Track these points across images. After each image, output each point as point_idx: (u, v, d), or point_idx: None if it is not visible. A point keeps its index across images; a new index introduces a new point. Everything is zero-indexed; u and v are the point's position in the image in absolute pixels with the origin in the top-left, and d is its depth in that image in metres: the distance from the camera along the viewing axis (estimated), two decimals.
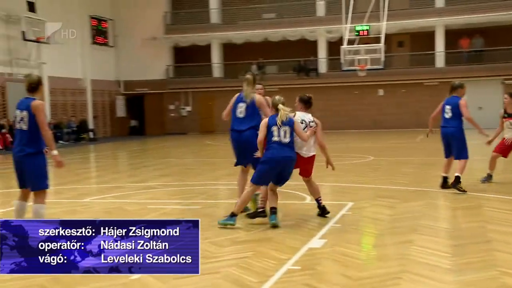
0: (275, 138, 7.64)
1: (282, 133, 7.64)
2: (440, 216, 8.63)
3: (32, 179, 6.86)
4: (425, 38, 34.62)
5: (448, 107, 10.12)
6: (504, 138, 11.18)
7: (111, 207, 9.87)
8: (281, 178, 7.81)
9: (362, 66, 28.08)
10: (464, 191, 9.86)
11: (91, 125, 33.79)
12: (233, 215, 7.67)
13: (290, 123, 7.69)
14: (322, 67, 35.57)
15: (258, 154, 7.84)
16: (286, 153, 7.64)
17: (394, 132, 31.65)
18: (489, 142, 11.00)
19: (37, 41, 29.08)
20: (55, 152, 6.83)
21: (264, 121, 7.83)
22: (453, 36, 33.59)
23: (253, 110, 8.31)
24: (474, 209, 8.78)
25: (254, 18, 36.50)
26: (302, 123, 7.91)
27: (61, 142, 29.09)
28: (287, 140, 7.66)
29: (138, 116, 38.59)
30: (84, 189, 12.57)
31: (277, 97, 7.84)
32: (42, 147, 6.89)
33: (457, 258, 6.01)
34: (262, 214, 7.97)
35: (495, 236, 6.94)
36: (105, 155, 23.93)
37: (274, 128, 7.66)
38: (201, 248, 6.57)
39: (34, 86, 6.92)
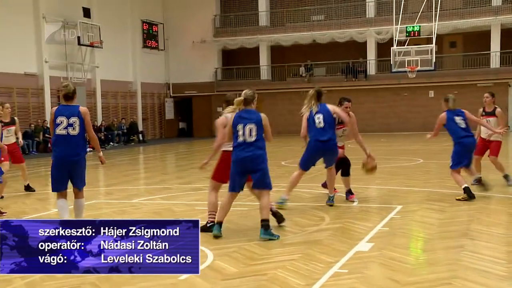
0: (240, 138, 7.27)
1: (247, 131, 7.26)
2: (493, 221, 8.38)
3: (81, 179, 7.59)
4: (479, 38, 33.81)
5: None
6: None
7: (160, 208, 9.98)
8: (255, 179, 7.35)
9: (413, 68, 27.60)
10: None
11: (140, 127, 34.34)
12: (218, 223, 7.41)
13: (257, 120, 7.31)
14: (371, 68, 35.18)
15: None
16: (248, 153, 7.20)
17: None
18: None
19: (91, 45, 29.83)
20: (101, 153, 7.82)
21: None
22: (509, 35, 32.69)
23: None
24: None
25: (302, 20, 36.41)
26: None
27: (111, 143, 29.67)
28: (252, 139, 7.25)
29: (186, 118, 39.00)
30: (134, 190, 12.75)
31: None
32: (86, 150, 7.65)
33: None
34: (210, 229, 7.47)
35: None
36: (154, 157, 24.26)
37: (239, 127, 7.30)
38: (248, 250, 6.63)
39: (71, 95, 7.51)
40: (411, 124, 34.01)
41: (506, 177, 11.16)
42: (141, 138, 33.02)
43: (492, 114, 11.18)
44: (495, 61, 33.04)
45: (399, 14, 28.03)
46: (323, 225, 8.05)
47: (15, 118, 11.77)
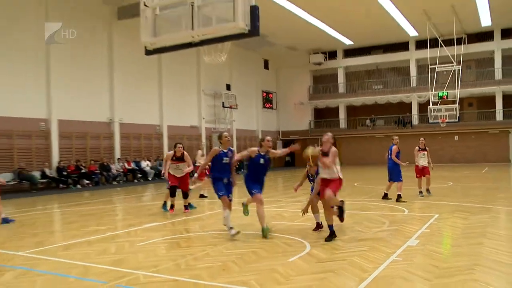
0: None
1: None
2: (504, 225, 7.83)
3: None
4: (488, 100, 31.90)
5: None
6: None
7: (274, 214, 9.98)
8: None
9: (443, 120, 26.45)
10: None
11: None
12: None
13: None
14: (415, 120, 33.83)
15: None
16: None
17: (465, 165, 29.01)
18: None
19: (230, 107, 31.01)
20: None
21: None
22: (507, 99, 30.49)
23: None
24: None
25: (367, 88, 35.85)
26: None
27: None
28: None
29: (290, 154, 39.15)
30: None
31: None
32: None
33: None
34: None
35: None
36: (269, 179, 24.57)
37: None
38: (334, 243, 6.58)
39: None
40: (442, 158, 32.23)
41: None
42: None
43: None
44: (499, 115, 30.97)
45: (433, 84, 27.01)
46: (384, 227, 7.89)
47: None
